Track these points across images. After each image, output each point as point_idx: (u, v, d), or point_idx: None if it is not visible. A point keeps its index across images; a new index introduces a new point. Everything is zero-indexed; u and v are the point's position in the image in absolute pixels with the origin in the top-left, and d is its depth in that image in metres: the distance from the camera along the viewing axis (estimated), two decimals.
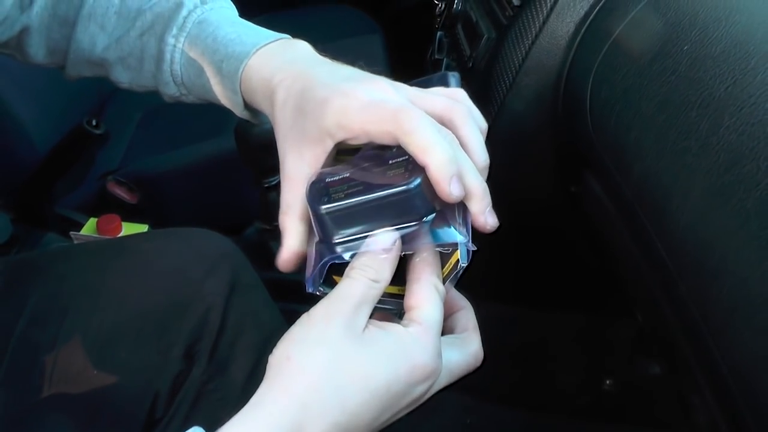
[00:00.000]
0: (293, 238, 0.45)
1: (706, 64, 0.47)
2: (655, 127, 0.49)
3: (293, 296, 1.10)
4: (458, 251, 0.42)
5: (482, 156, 0.44)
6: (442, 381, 0.42)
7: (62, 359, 0.68)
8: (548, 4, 0.68)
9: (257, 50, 0.51)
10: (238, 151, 1.00)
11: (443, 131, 0.42)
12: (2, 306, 0.72)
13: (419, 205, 0.41)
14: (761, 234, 0.38)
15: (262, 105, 0.51)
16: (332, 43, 1.43)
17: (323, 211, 0.41)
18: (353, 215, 0.41)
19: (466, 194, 0.42)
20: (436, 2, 1.11)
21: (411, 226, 0.41)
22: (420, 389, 0.40)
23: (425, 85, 0.48)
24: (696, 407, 0.49)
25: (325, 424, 0.37)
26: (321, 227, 0.42)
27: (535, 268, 0.95)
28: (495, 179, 0.80)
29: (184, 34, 0.56)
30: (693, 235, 0.44)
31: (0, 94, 1.14)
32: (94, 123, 1.11)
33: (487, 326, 1.13)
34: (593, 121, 0.59)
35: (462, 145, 0.43)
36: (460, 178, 0.41)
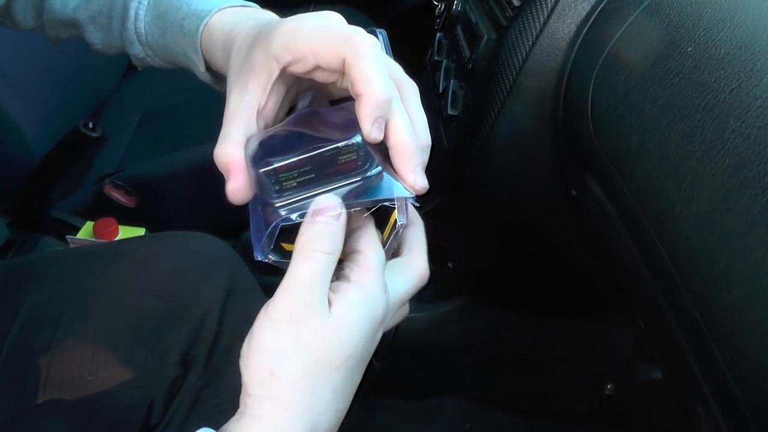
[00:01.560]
0: (237, 167, 0.42)
1: (711, 66, 0.46)
2: (658, 131, 0.49)
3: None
4: (392, 219, 0.41)
5: (425, 133, 0.43)
6: (395, 311, 0.43)
7: (57, 365, 0.68)
8: (549, 5, 0.67)
9: (220, 9, 0.51)
10: None
11: (390, 79, 0.41)
12: None
13: (362, 159, 0.40)
14: (767, 240, 0.37)
15: (220, 61, 0.50)
16: None
17: (264, 171, 0.39)
18: (297, 175, 0.40)
19: (394, 147, 0.41)
20: (435, 3, 1.11)
21: (355, 182, 0.40)
22: (380, 332, 0.42)
23: None
24: (700, 416, 0.48)
25: (330, 415, 0.39)
26: (263, 188, 0.40)
27: (536, 272, 0.94)
28: (495, 181, 0.80)
29: None
30: (697, 241, 0.43)
31: None
32: (90, 126, 1.10)
33: (488, 331, 1.13)
34: (594, 123, 0.58)
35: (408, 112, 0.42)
36: (391, 129, 0.41)
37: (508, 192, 0.81)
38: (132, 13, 0.56)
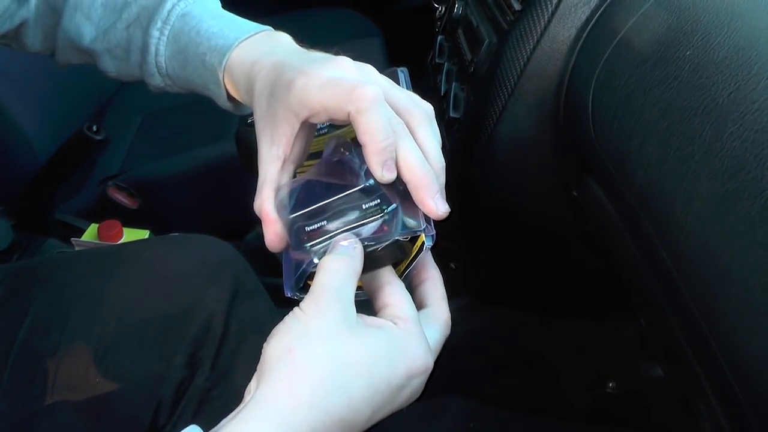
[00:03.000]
0: (268, 219, 0.47)
1: (709, 69, 0.47)
2: (657, 133, 0.49)
3: (296, 302, 1.11)
4: (420, 239, 0.45)
5: (437, 158, 0.46)
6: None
7: (64, 367, 0.68)
8: (549, 9, 0.68)
9: (239, 43, 0.53)
10: (239, 156, 1.00)
11: (394, 118, 0.44)
12: (3, 314, 0.72)
13: (381, 198, 0.44)
14: (766, 241, 0.38)
15: (244, 97, 0.53)
16: (332, 46, 1.44)
17: (292, 217, 0.45)
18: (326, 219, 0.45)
19: (410, 182, 0.44)
20: (435, 6, 1.11)
21: (374, 220, 0.44)
22: (417, 381, 0.42)
23: None
24: (701, 414, 0.49)
25: (333, 421, 0.38)
26: (292, 233, 0.45)
27: (537, 272, 0.95)
28: (497, 183, 0.81)
29: (168, 27, 0.57)
30: (697, 242, 0.44)
31: (0, 101, 1.14)
32: (94, 129, 1.11)
33: (491, 330, 1.13)
34: (595, 126, 0.59)
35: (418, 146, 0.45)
36: (402, 166, 0.44)
37: (509, 193, 0.81)
38: (153, 48, 0.57)
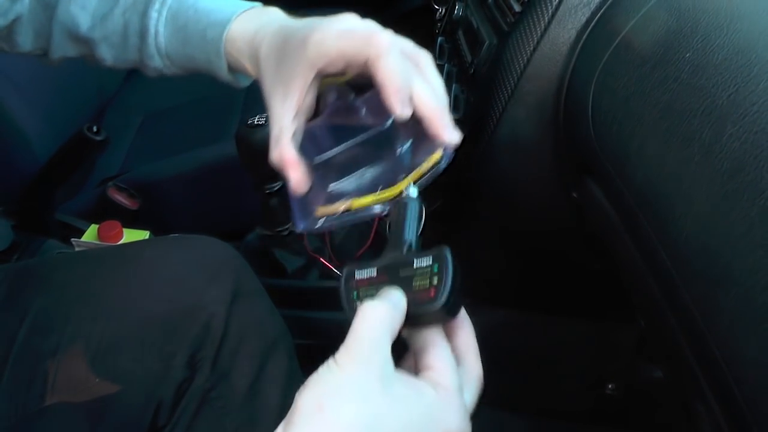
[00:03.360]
0: (293, 163, 0.50)
1: (708, 71, 0.47)
2: (657, 135, 0.49)
3: (296, 303, 1.11)
4: (437, 156, 0.49)
5: (443, 94, 0.50)
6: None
7: (65, 367, 0.68)
8: (549, 12, 0.68)
9: (237, 16, 0.56)
10: (239, 156, 1.00)
11: (406, 60, 0.49)
12: (4, 314, 0.72)
13: (394, 137, 0.49)
14: (765, 242, 0.38)
15: (247, 65, 0.56)
16: None
17: (318, 161, 0.50)
18: (343, 160, 0.50)
19: (426, 116, 0.48)
20: (436, 7, 1.11)
21: (391, 159, 0.50)
22: None
23: None
24: (700, 415, 0.49)
25: None
26: (318, 176, 0.50)
27: (537, 273, 0.95)
28: (497, 184, 0.81)
29: (166, 8, 0.59)
30: (697, 243, 0.44)
31: (1, 101, 1.14)
32: (94, 129, 1.11)
33: (490, 331, 1.13)
34: (595, 128, 0.59)
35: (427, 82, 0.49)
36: (417, 102, 0.47)
37: (509, 194, 0.82)
38: (152, 30, 0.59)
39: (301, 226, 0.50)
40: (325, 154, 0.50)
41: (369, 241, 1.13)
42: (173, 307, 0.72)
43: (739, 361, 0.40)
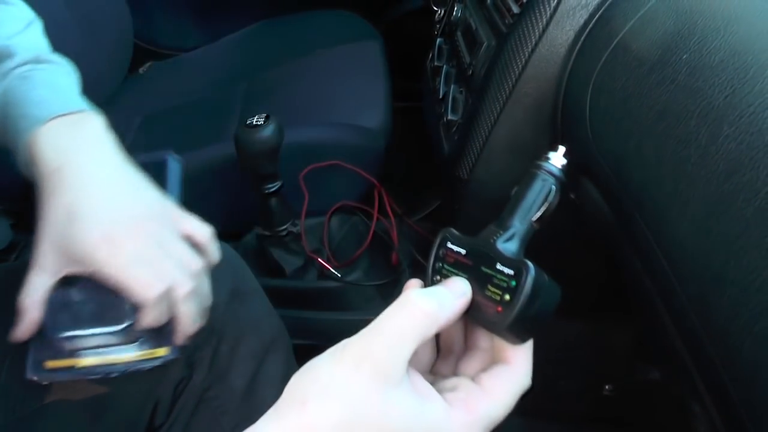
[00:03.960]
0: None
1: (705, 73, 0.47)
2: (654, 136, 0.50)
3: (293, 303, 1.11)
4: (162, 351, 0.59)
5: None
6: None
7: None
8: (547, 13, 0.68)
9: (48, 121, 0.56)
10: (237, 157, 1.00)
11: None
12: (1, 313, 0.71)
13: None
14: (761, 242, 0.38)
15: (38, 178, 0.56)
16: (331, 48, 1.44)
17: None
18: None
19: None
20: (435, 8, 1.12)
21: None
22: None
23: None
24: (697, 415, 0.49)
25: None
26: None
27: None
28: (494, 185, 0.81)
29: (4, 84, 0.59)
30: (693, 243, 0.44)
31: None
32: None
33: None
34: (592, 129, 0.59)
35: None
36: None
37: (507, 195, 0.82)
38: None
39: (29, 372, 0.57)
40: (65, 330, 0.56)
41: (367, 242, 1.13)
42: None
43: (734, 361, 0.40)
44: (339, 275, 1.10)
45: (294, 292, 1.11)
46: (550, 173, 0.46)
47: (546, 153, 0.47)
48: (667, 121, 0.49)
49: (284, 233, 1.09)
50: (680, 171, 0.46)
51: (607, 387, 1.03)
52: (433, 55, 1.04)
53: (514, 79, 0.71)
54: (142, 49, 1.65)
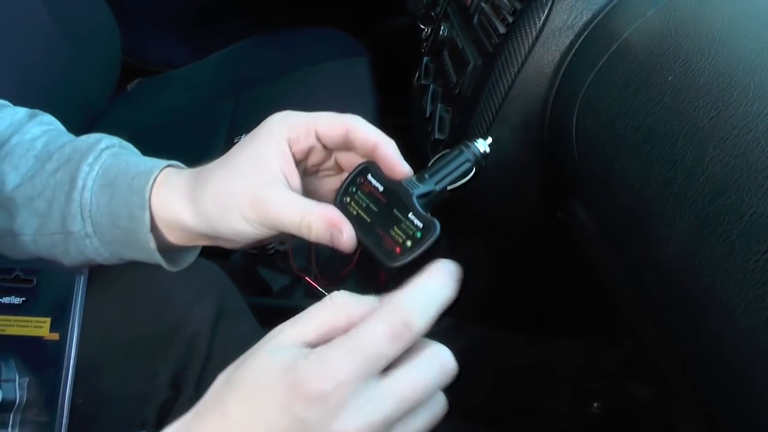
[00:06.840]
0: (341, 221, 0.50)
1: (690, 95, 0.48)
2: (640, 157, 0.50)
3: (280, 322, 1.10)
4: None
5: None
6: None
7: None
8: (534, 33, 0.69)
9: (167, 166, 0.56)
10: None
11: None
12: None
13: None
14: (746, 264, 0.38)
15: (176, 204, 0.53)
16: (318, 65, 1.45)
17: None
18: None
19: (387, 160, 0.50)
20: (421, 27, 1.12)
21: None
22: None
23: None
24: None
25: None
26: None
27: (522, 291, 0.95)
28: (481, 204, 0.81)
29: (99, 163, 0.56)
30: (679, 265, 0.44)
31: None
32: None
33: (476, 350, 1.13)
34: (579, 149, 0.59)
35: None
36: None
37: (494, 214, 0.82)
38: (80, 183, 0.55)
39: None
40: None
41: (354, 261, 1.13)
42: (157, 326, 0.72)
43: (721, 382, 0.41)
44: (326, 293, 1.09)
45: (281, 310, 1.11)
46: (474, 154, 0.51)
47: (476, 139, 0.52)
48: (652, 143, 0.49)
49: (272, 251, 1.08)
50: (666, 192, 0.46)
51: (595, 404, 1.02)
52: (419, 74, 1.05)
53: (500, 98, 0.72)
54: (130, 65, 1.65)
